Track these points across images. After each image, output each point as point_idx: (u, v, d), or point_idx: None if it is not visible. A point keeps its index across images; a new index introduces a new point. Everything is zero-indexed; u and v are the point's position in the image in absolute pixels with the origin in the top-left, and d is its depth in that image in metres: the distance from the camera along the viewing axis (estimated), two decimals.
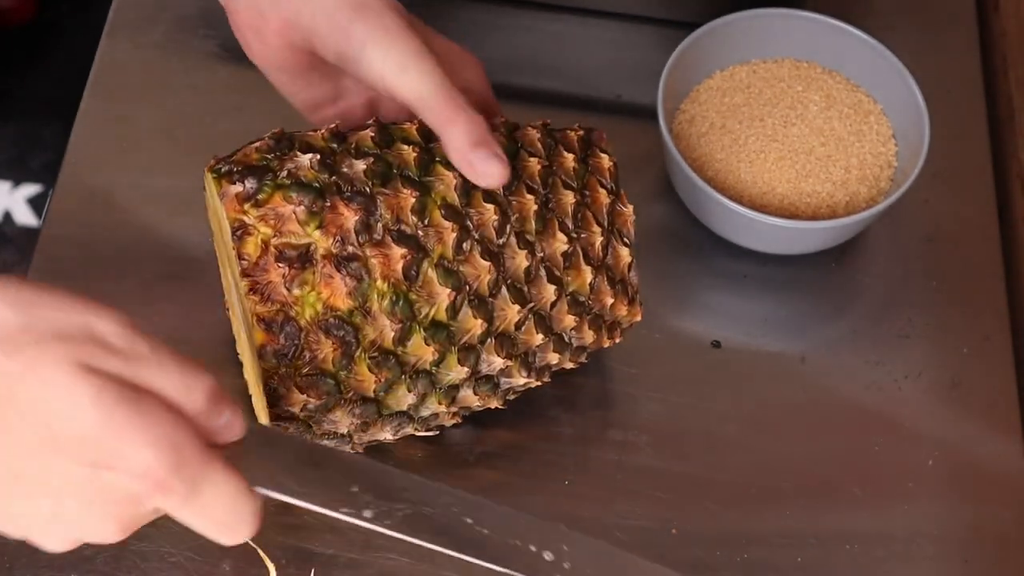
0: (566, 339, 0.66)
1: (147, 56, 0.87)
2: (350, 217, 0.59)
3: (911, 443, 0.76)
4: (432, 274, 0.59)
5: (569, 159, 0.66)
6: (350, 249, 0.59)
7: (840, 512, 0.73)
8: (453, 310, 0.60)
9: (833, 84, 0.83)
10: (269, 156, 0.61)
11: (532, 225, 0.62)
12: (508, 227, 0.62)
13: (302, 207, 0.59)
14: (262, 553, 0.69)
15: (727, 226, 0.79)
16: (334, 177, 0.60)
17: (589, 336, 0.67)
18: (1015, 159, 0.86)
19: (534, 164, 0.64)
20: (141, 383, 0.46)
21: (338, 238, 0.59)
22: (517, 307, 0.62)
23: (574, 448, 0.74)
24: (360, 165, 0.60)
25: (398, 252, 0.59)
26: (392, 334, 0.59)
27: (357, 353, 0.59)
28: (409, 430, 0.65)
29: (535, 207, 0.63)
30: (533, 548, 0.54)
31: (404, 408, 0.62)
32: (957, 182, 0.85)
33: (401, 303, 0.59)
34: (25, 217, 1.56)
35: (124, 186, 0.82)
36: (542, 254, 0.63)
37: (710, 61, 0.83)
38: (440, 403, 0.63)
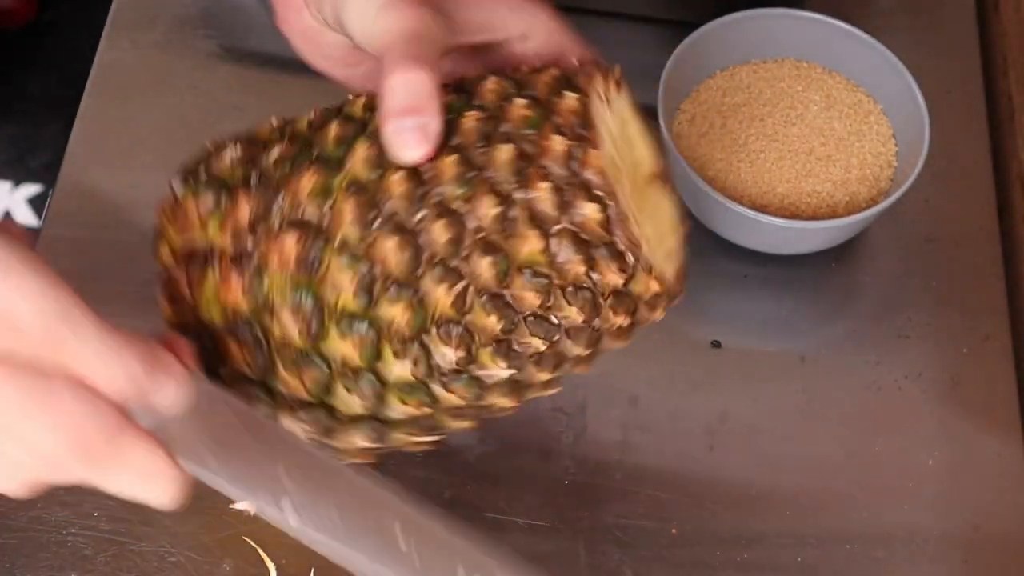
0: (553, 320, 0.54)
1: (147, 56, 0.87)
2: (245, 209, 0.53)
3: (911, 443, 0.76)
4: (334, 261, 0.52)
5: (518, 107, 0.53)
6: (248, 244, 0.53)
7: (840, 512, 0.73)
8: (368, 298, 0.52)
9: (833, 84, 0.83)
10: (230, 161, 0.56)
11: (453, 190, 0.52)
12: (425, 196, 0.52)
13: (205, 207, 0.54)
14: (262, 553, 0.69)
15: (727, 226, 0.79)
16: (253, 170, 0.54)
17: (573, 313, 0.54)
18: (1015, 159, 0.86)
19: (470, 120, 0.53)
20: (56, 368, 0.46)
21: (235, 233, 0.53)
22: (445, 287, 0.51)
23: (574, 448, 0.74)
24: (275, 153, 0.54)
25: (290, 240, 0.52)
26: (297, 330, 0.52)
27: (272, 355, 0.53)
28: (400, 436, 0.56)
29: (455, 169, 0.52)
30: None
31: (359, 411, 0.54)
32: (957, 182, 0.85)
33: (303, 296, 0.52)
34: (25, 217, 1.56)
35: (124, 186, 0.82)
36: (476, 223, 0.52)
37: (710, 61, 0.83)
38: (406, 403, 0.54)
